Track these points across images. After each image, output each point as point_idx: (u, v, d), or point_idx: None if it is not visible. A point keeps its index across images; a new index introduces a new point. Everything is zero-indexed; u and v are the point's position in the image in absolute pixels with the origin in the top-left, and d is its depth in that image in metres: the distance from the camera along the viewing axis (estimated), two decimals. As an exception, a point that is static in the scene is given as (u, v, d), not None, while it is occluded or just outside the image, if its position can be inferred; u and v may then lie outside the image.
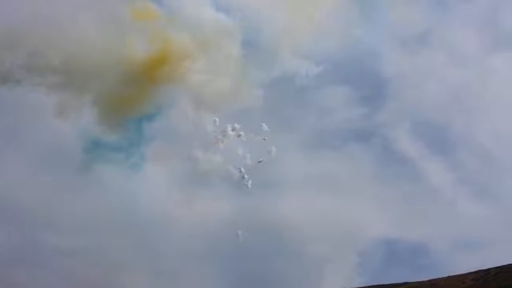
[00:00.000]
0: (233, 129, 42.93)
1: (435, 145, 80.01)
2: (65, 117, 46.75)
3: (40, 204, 63.83)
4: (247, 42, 47.82)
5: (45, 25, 43.81)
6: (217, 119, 43.42)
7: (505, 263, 46.68)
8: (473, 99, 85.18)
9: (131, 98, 45.65)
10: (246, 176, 42.12)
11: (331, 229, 70.90)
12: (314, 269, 67.24)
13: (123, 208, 63.82)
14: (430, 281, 50.49)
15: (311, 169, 75.28)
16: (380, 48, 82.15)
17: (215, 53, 47.60)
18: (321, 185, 74.69)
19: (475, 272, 47.93)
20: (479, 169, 78.93)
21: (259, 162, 42.49)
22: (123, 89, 45.18)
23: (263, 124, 43.24)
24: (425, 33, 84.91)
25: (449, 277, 49.72)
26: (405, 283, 52.97)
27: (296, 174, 72.75)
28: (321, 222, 70.78)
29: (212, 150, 43.14)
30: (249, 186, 42.10)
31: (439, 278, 50.22)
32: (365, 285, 58.94)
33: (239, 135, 42.90)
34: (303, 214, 69.66)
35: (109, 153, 48.65)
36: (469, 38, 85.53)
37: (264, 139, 42.74)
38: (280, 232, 67.42)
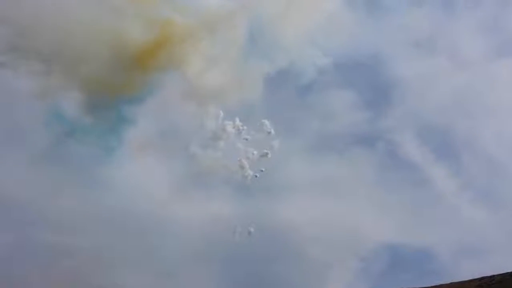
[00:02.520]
0: (234, 126, 41.81)
1: (439, 150, 79.42)
2: (47, 100, 45.34)
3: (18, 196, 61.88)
4: (250, 31, 46.64)
5: (34, 5, 42.31)
6: (221, 112, 42.27)
7: (510, 270, 46.23)
8: (477, 104, 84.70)
9: (119, 84, 44.05)
10: (246, 166, 40.94)
11: (334, 233, 70.41)
12: (315, 273, 66.74)
13: (100, 197, 62.10)
14: (433, 287, 50.11)
15: (314, 173, 74.84)
16: (384, 52, 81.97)
17: (216, 40, 45.95)
18: (324, 189, 74.21)
19: (480, 279, 47.42)
20: (483, 175, 78.34)
21: (263, 155, 41.23)
22: (111, 74, 43.68)
23: (265, 120, 42.12)
24: (430, 37, 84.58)
25: (452, 283, 49.28)
26: (408, 289, 52.58)
27: (299, 177, 72.36)
28: (323, 225, 70.28)
29: (211, 145, 41.88)
30: (250, 177, 40.76)
31: (442, 285, 49.75)
32: (367, 290, 58.59)
33: (240, 131, 41.69)
34: (305, 217, 69.20)
35: (88, 137, 47.32)
36: (474, 43, 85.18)
37: (269, 133, 41.56)
38: (282, 234, 67.01)
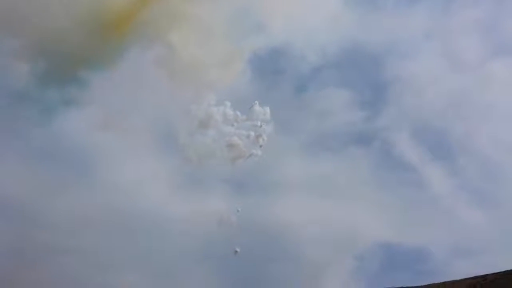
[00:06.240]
0: (224, 112, 39.85)
1: (435, 150, 79.79)
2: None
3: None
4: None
5: None
6: (210, 95, 40.10)
7: (503, 269, 46.55)
8: (473, 105, 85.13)
9: (87, 52, 41.73)
10: (240, 145, 39.11)
11: (329, 232, 70.59)
12: (311, 273, 66.88)
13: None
14: (427, 286, 50.35)
15: (310, 172, 75.10)
16: (382, 51, 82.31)
17: (205, 10, 43.14)
18: (320, 188, 74.44)
19: (472, 278, 47.79)
20: (478, 175, 78.66)
21: (258, 136, 39.42)
22: (83, 41, 41.31)
23: (256, 104, 39.89)
24: (426, 38, 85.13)
25: (446, 282, 49.57)
26: (402, 288, 52.80)
27: (295, 176, 72.57)
28: (319, 225, 70.49)
29: (197, 131, 39.59)
30: (243, 157, 38.73)
31: (435, 283, 50.06)
32: (362, 289, 58.78)
33: (229, 115, 39.85)
34: (301, 217, 69.38)
35: (38, 106, 46.00)
36: (470, 44, 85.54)
37: (265, 116, 39.75)
38: (277, 234, 67.16)
